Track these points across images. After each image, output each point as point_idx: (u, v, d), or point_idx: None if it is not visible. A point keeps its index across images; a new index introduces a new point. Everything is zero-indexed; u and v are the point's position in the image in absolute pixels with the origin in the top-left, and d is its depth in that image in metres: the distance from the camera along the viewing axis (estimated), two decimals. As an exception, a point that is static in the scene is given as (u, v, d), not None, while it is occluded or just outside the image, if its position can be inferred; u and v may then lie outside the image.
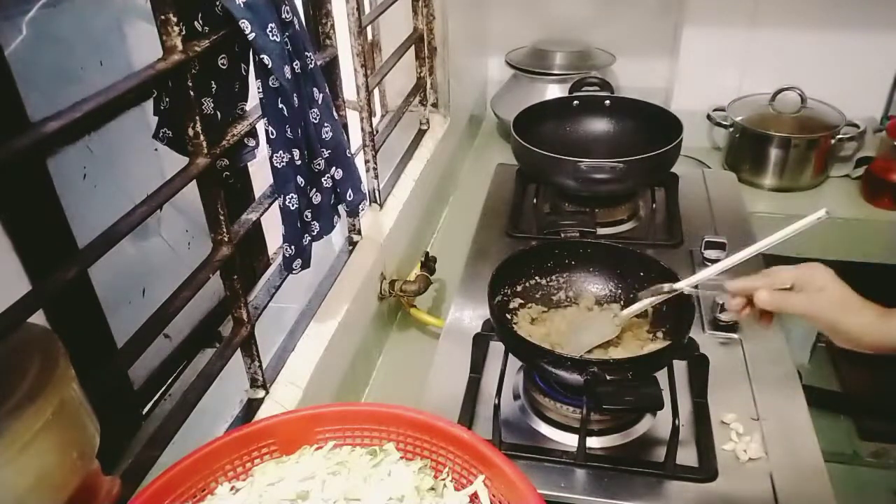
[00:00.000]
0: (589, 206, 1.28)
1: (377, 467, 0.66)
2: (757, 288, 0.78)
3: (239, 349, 0.79)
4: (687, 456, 0.85)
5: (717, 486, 0.82)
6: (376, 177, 1.16)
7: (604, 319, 0.94)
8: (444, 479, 0.65)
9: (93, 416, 0.52)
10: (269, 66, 0.70)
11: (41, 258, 0.68)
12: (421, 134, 1.48)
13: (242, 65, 0.78)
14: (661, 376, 0.85)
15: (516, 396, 0.95)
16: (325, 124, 0.84)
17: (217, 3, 0.68)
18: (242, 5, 0.66)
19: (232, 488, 0.64)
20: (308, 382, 0.87)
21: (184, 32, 0.63)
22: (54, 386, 0.47)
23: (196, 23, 0.68)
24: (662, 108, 1.35)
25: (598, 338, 0.92)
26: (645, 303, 0.89)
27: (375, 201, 1.18)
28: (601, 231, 1.24)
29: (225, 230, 0.73)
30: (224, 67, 0.74)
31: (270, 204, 0.83)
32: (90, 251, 0.57)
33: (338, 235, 1.10)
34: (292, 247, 0.82)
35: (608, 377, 0.81)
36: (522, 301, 1.00)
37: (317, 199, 0.85)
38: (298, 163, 0.78)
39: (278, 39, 0.70)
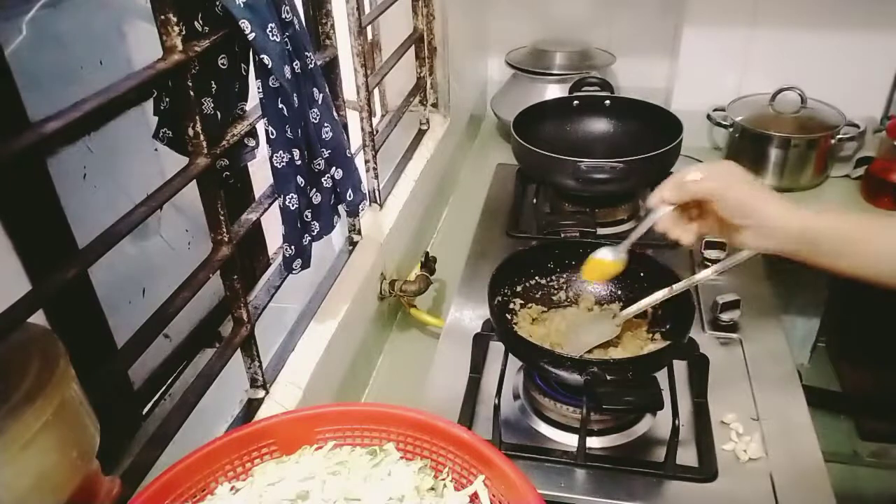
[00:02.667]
0: (589, 206, 1.28)
1: (377, 467, 0.66)
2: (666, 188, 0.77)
3: (239, 349, 0.79)
4: (687, 456, 0.85)
5: (717, 486, 0.82)
6: (376, 177, 1.16)
7: (604, 319, 0.94)
8: (444, 479, 0.65)
9: (93, 416, 0.52)
10: (269, 66, 0.70)
11: (41, 258, 0.68)
12: (421, 134, 1.48)
13: (242, 65, 0.78)
14: (661, 376, 0.85)
15: (516, 396, 0.95)
16: (325, 124, 0.84)
17: (217, 3, 0.68)
18: (242, 5, 0.66)
19: (232, 488, 0.64)
20: (308, 382, 0.87)
21: (184, 32, 0.63)
22: (54, 386, 0.47)
23: (196, 23, 0.68)
24: (662, 108, 1.36)
25: (597, 338, 0.92)
26: (645, 303, 0.89)
27: (375, 201, 1.18)
28: (601, 231, 1.24)
29: (225, 230, 0.73)
30: (224, 67, 0.74)
31: (270, 204, 0.83)
32: (90, 251, 0.57)
33: (338, 235, 1.10)
34: (292, 247, 0.82)
35: (608, 377, 0.81)
36: (522, 301, 1.00)
37: (317, 199, 0.85)
38: (298, 163, 0.78)
39: (278, 39, 0.70)
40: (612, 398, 0.81)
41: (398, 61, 1.29)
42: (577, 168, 1.20)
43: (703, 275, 0.86)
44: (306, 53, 0.77)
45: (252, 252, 1.15)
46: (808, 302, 1.64)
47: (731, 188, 0.73)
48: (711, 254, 1.16)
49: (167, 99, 0.71)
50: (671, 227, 0.79)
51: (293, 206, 0.79)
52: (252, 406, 0.82)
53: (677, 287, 0.87)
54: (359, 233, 1.12)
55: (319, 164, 0.84)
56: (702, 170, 0.76)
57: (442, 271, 1.22)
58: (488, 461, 0.63)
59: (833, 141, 1.53)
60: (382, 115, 1.60)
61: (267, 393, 0.83)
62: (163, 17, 0.61)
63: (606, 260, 0.86)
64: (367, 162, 1.15)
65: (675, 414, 0.82)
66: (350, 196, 0.91)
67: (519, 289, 1.01)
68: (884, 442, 1.61)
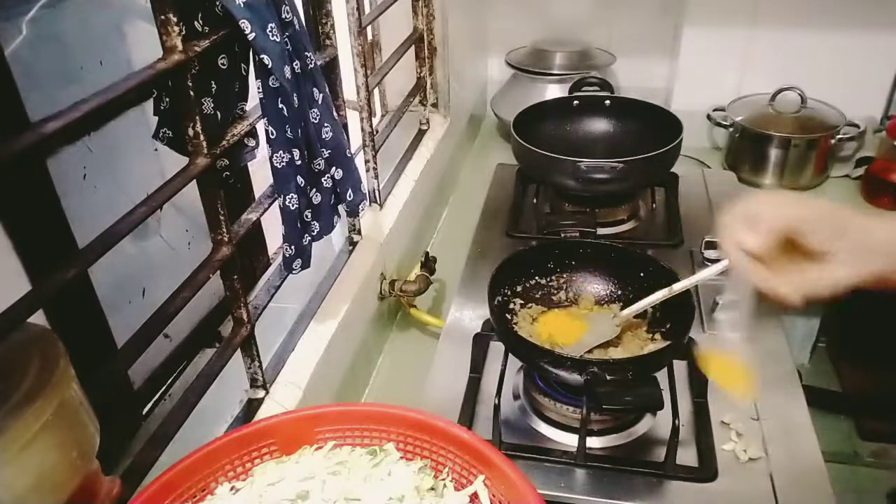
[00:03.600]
0: (589, 206, 1.28)
1: (377, 467, 0.66)
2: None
3: (239, 349, 0.79)
4: (687, 456, 0.85)
5: (717, 486, 0.82)
6: (376, 177, 1.16)
7: (604, 319, 0.94)
8: (444, 479, 0.65)
9: (93, 416, 0.52)
10: (269, 66, 0.70)
11: (41, 258, 0.68)
12: (421, 134, 1.48)
13: (242, 65, 0.78)
14: (661, 376, 0.85)
15: (516, 396, 0.95)
16: (325, 124, 0.84)
17: (217, 3, 0.68)
18: (242, 5, 0.66)
19: (232, 488, 0.64)
20: (308, 382, 0.87)
21: (184, 32, 0.63)
22: (54, 386, 0.47)
23: (196, 23, 0.68)
24: (662, 108, 1.35)
25: (597, 338, 0.92)
26: (645, 303, 0.89)
27: (375, 201, 1.18)
28: (601, 231, 1.24)
29: (225, 230, 0.73)
30: (224, 67, 0.74)
31: (270, 204, 0.83)
32: (90, 251, 0.57)
33: (338, 235, 1.10)
34: (292, 247, 0.82)
35: (608, 377, 0.81)
36: (522, 301, 1.00)
37: (317, 199, 0.85)
38: (298, 163, 0.78)
39: (278, 39, 0.70)
40: (612, 398, 0.81)
41: (398, 61, 1.29)
42: (577, 168, 1.20)
43: (703, 275, 0.86)
44: (306, 53, 0.77)
45: (252, 252, 1.15)
46: (808, 302, 1.64)
47: (816, 209, 0.60)
48: (711, 254, 1.16)
49: (167, 99, 0.71)
50: (765, 279, 0.61)
51: (293, 206, 0.79)
52: (252, 406, 0.82)
53: (677, 287, 0.86)
54: (359, 233, 1.12)
55: (319, 164, 0.84)
56: (765, 201, 0.62)
57: (442, 271, 1.22)
58: (488, 461, 0.63)
59: (833, 141, 1.53)
60: (382, 115, 1.60)
61: (267, 393, 0.83)
62: (163, 17, 0.61)
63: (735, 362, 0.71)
64: (367, 162, 1.15)
65: (675, 414, 0.82)
66: (350, 196, 0.91)
67: (519, 289, 1.01)
68: (884, 442, 1.61)
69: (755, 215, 0.60)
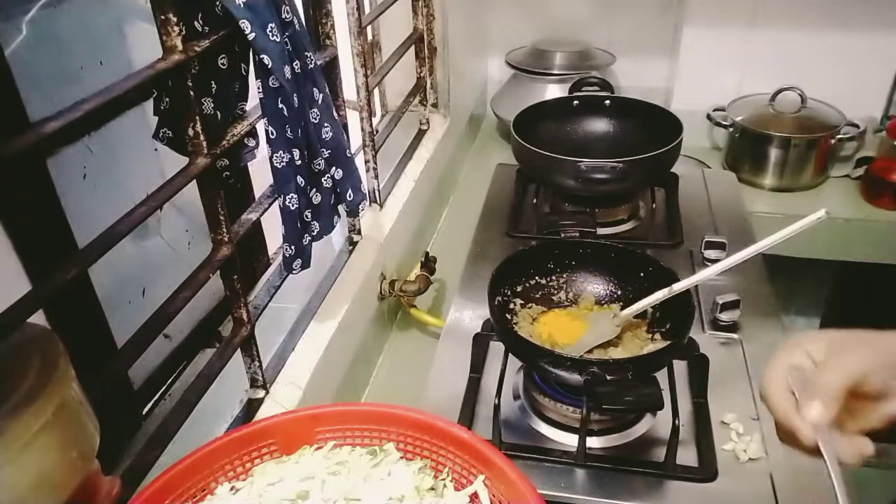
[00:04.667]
0: (589, 206, 1.28)
1: (377, 467, 0.66)
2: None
3: (239, 349, 0.79)
4: (687, 456, 0.85)
5: (717, 486, 0.82)
6: (376, 177, 1.16)
7: (604, 319, 0.94)
8: (444, 479, 0.65)
9: (93, 416, 0.52)
10: (269, 66, 0.70)
11: (41, 258, 0.68)
12: (421, 134, 1.48)
13: (242, 65, 0.78)
14: (661, 376, 0.85)
15: (516, 396, 0.95)
16: (325, 124, 0.84)
17: (217, 3, 0.68)
18: (242, 5, 0.66)
19: (232, 488, 0.64)
20: (308, 382, 0.87)
21: (184, 32, 0.63)
22: (54, 386, 0.47)
23: (196, 23, 0.68)
24: (662, 108, 1.35)
25: (597, 338, 0.92)
26: (645, 303, 0.89)
27: (375, 201, 1.18)
28: (601, 231, 1.24)
29: (225, 230, 0.73)
30: (224, 67, 0.74)
31: (270, 204, 0.83)
32: (90, 251, 0.57)
33: (338, 235, 1.10)
34: (292, 247, 0.82)
35: (608, 377, 0.80)
36: (522, 301, 1.00)
37: (317, 199, 0.85)
38: (298, 163, 0.78)
39: (278, 39, 0.70)
40: (612, 398, 0.81)
41: (398, 61, 1.29)
42: (577, 168, 1.20)
43: (703, 275, 0.86)
44: (306, 53, 0.77)
45: (252, 252, 1.15)
46: (808, 302, 1.64)
47: (871, 350, 0.54)
48: (711, 254, 1.16)
49: (167, 99, 0.71)
50: (849, 451, 0.56)
51: (293, 206, 0.79)
52: (252, 406, 0.82)
53: (677, 287, 0.86)
54: (359, 233, 1.12)
55: (319, 164, 0.84)
56: (805, 352, 0.55)
57: (442, 271, 1.22)
58: (488, 461, 0.63)
59: (833, 141, 1.53)
60: (382, 115, 1.60)
61: (267, 393, 0.83)
62: (163, 17, 0.61)
63: None
64: (367, 162, 1.15)
65: (675, 414, 0.82)
66: (350, 196, 0.91)
67: (519, 289, 1.01)
68: (884, 442, 1.61)
69: (807, 377, 0.54)
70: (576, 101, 1.42)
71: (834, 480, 0.54)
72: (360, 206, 0.94)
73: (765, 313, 1.07)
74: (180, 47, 0.63)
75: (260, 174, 0.99)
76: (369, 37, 1.51)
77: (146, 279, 0.91)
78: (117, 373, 0.64)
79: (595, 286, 1.02)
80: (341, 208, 0.93)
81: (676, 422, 0.81)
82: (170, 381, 0.95)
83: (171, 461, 0.63)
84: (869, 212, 1.50)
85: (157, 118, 0.73)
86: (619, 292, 1.00)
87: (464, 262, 1.22)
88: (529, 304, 1.00)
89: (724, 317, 1.03)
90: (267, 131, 0.74)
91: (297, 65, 0.75)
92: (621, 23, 1.77)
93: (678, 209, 1.31)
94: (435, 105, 1.53)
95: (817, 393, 0.53)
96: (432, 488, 0.64)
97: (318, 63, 0.83)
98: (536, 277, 1.02)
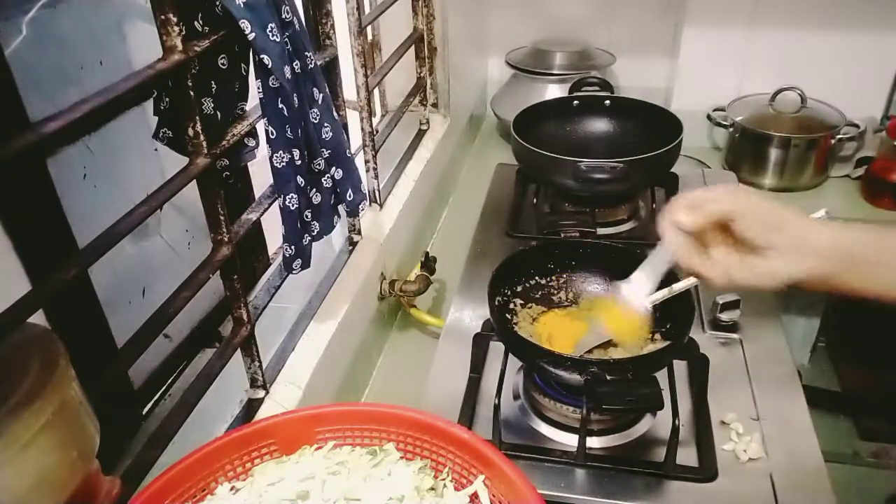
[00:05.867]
0: (589, 206, 1.28)
1: (377, 467, 0.66)
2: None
3: (239, 349, 0.79)
4: (687, 456, 0.85)
5: (717, 486, 0.82)
6: (376, 177, 1.16)
7: (604, 319, 0.94)
8: (444, 479, 0.65)
9: (93, 416, 0.52)
10: (269, 66, 0.70)
11: (41, 258, 0.68)
12: (421, 134, 1.48)
13: (242, 65, 0.78)
14: (661, 376, 0.85)
15: (516, 396, 0.95)
16: (325, 124, 0.84)
17: (217, 3, 0.68)
18: (242, 5, 0.66)
19: (232, 488, 0.64)
20: (308, 382, 0.87)
21: (184, 32, 0.63)
22: (54, 386, 0.47)
23: (196, 23, 0.68)
24: (662, 108, 1.35)
25: (597, 338, 0.92)
26: (644, 303, 0.89)
27: (375, 201, 1.18)
28: (601, 231, 1.24)
29: (225, 230, 0.73)
30: (224, 67, 0.74)
31: (270, 204, 0.83)
32: (90, 251, 0.57)
33: (338, 235, 1.10)
34: (292, 247, 0.82)
35: (608, 377, 0.81)
36: (522, 301, 1.00)
37: (317, 199, 0.85)
38: (298, 163, 0.78)
39: (278, 39, 0.70)
40: (613, 398, 0.81)
41: (398, 61, 1.29)
42: (577, 168, 1.20)
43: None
44: (306, 53, 0.77)
45: (252, 252, 1.15)
46: (808, 302, 1.64)
47: (753, 203, 0.65)
48: (711, 254, 1.16)
49: (167, 99, 0.71)
50: (688, 257, 0.67)
51: (293, 206, 0.79)
52: (252, 406, 0.82)
53: (677, 287, 0.86)
54: (359, 233, 1.12)
55: (319, 164, 0.84)
56: (712, 190, 0.68)
57: (442, 271, 1.22)
58: (488, 461, 0.63)
59: (833, 141, 1.53)
60: (382, 115, 1.60)
61: (267, 393, 0.83)
62: (163, 17, 0.61)
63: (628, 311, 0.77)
64: (367, 162, 1.15)
65: (675, 414, 0.82)
66: (350, 196, 0.91)
67: (519, 289, 1.01)
68: (884, 442, 1.61)
69: (698, 201, 0.66)
70: (576, 101, 1.42)
71: (654, 271, 0.74)
72: (360, 206, 0.94)
73: (765, 313, 1.07)
74: (180, 47, 0.63)
75: (260, 174, 0.99)
76: (369, 37, 1.51)
77: (146, 279, 0.91)
78: (117, 373, 0.64)
79: (595, 286, 1.02)
80: (341, 208, 0.93)
81: (676, 422, 0.81)
82: (170, 381, 0.95)
83: (171, 461, 0.63)
84: (869, 212, 1.50)
85: (157, 118, 0.73)
86: (619, 292, 1.00)
87: (464, 262, 1.22)
88: (529, 304, 1.00)
89: (724, 317, 1.03)
90: (267, 131, 0.74)
91: (297, 65, 0.75)
92: (621, 23, 1.77)
93: (678, 209, 1.31)
94: (435, 105, 1.53)
95: (691, 210, 0.66)
96: (432, 488, 0.64)
97: (318, 63, 0.83)
98: (536, 277, 1.02)
